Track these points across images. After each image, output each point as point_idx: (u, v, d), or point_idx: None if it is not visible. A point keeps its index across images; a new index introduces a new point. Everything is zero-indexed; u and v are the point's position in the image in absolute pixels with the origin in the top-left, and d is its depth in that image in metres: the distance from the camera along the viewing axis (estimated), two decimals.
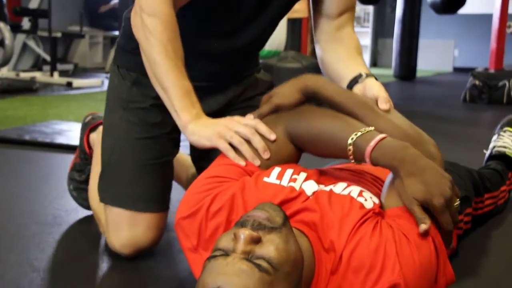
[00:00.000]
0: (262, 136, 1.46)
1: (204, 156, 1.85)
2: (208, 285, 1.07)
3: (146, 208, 1.72)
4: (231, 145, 1.46)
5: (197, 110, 1.56)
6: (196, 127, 1.52)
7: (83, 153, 2.11)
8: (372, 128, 1.36)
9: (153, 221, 1.73)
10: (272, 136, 1.47)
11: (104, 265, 1.76)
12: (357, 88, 1.64)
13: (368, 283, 1.19)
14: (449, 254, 1.55)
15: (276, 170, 1.42)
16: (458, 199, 1.27)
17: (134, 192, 1.73)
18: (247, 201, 1.30)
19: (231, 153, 1.45)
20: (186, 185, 2.08)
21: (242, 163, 1.44)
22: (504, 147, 2.45)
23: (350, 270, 1.22)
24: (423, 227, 1.19)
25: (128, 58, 1.84)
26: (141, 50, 1.59)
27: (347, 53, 1.83)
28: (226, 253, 1.10)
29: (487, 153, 2.49)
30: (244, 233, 1.09)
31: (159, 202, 1.76)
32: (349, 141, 1.33)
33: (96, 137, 2.03)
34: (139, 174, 1.76)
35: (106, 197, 1.77)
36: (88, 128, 2.10)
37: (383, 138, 1.30)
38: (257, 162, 1.45)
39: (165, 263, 1.75)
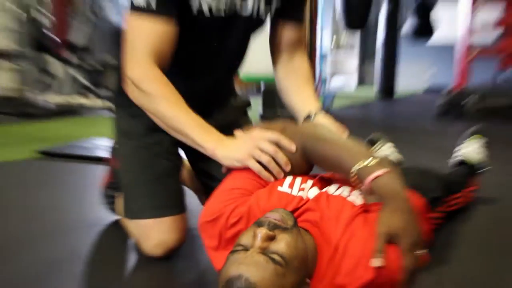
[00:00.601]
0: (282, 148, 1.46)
1: (200, 159, 1.80)
2: (231, 273, 1.09)
3: (167, 213, 1.71)
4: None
5: (214, 135, 1.54)
6: (225, 152, 1.50)
7: (115, 173, 2.06)
8: (374, 160, 1.33)
9: (174, 224, 1.71)
10: (293, 147, 1.45)
11: (135, 258, 1.75)
12: None
13: (360, 267, 1.21)
14: (427, 245, 1.57)
15: (288, 180, 1.44)
16: (422, 250, 1.26)
17: (154, 201, 1.72)
18: (264, 210, 1.30)
19: (263, 173, 1.44)
20: (190, 185, 2.07)
21: (271, 180, 1.44)
22: (468, 154, 2.43)
23: (345, 257, 1.24)
24: (376, 262, 1.19)
25: (124, 98, 1.74)
26: (147, 112, 1.58)
27: (298, 84, 1.86)
28: (246, 248, 1.13)
29: (454, 160, 2.47)
30: (262, 232, 1.13)
31: (177, 206, 1.75)
32: (353, 169, 1.33)
33: None
34: (154, 186, 1.74)
35: (131, 212, 1.76)
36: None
37: (381, 175, 1.29)
38: (281, 176, 1.45)
39: (190, 259, 1.74)
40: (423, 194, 1.70)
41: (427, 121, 6.46)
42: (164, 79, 1.56)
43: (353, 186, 1.39)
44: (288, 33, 1.86)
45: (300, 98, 1.81)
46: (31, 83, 6.69)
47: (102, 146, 3.63)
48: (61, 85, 6.63)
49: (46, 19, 6.26)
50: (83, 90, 7.76)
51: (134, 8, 1.55)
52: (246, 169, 1.47)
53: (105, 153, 2.71)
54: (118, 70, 1.86)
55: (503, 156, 3.78)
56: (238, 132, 1.56)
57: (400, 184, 1.30)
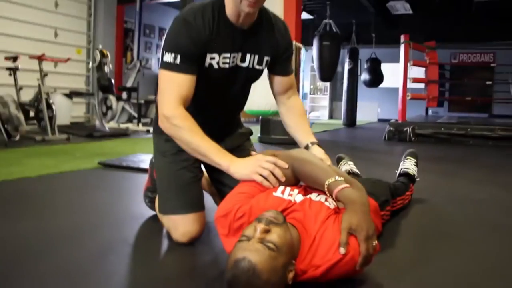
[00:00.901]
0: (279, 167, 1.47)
1: (215, 171, 1.78)
2: (237, 256, 1.09)
3: (191, 211, 1.67)
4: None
5: (229, 156, 1.53)
6: (236, 168, 1.49)
7: (153, 180, 2.02)
8: (341, 178, 1.35)
9: (197, 218, 1.67)
10: (286, 165, 1.46)
11: (167, 243, 1.72)
12: None
13: (330, 252, 1.20)
14: (377, 235, 1.55)
15: (281, 188, 1.43)
16: (375, 241, 1.26)
17: (182, 202, 1.68)
18: (261, 209, 1.29)
19: (265, 183, 1.44)
20: (208, 190, 2.02)
21: (271, 187, 1.43)
22: (407, 168, 2.41)
23: (320, 244, 1.23)
24: (342, 250, 1.19)
25: (159, 128, 1.72)
26: (176, 139, 1.59)
27: (296, 120, 1.84)
28: (248, 238, 1.13)
29: (398, 172, 2.44)
30: (260, 226, 1.14)
31: (198, 205, 1.71)
32: (325, 183, 1.35)
33: None
34: (182, 190, 1.71)
35: (164, 209, 1.72)
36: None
37: (345, 188, 1.31)
38: (277, 185, 1.45)
39: (208, 244, 1.71)
40: (375, 199, 1.66)
41: (378, 143, 6.40)
42: (188, 115, 1.56)
43: (327, 196, 1.38)
44: (282, 83, 1.84)
45: (300, 132, 1.80)
46: (95, 113, 6.68)
47: (145, 159, 3.57)
48: (115, 115, 6.60)
49: (108, 68, 6.21)
50: (131, 119, 7.76)
51: (164, 63, 1.57)
52: (251, 180, 1.47)
53: (146, 165, 2.70)
54: (157, 108, 1.85)
55: (429, 168, 3.75)
56: (252, 154, 1.60)
57: (357, 194, 1.31)
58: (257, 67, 1.72)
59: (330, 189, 1.33)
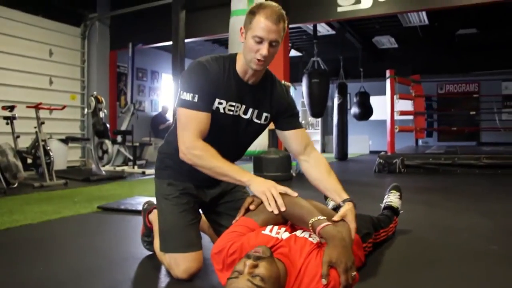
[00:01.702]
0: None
1: (212, 214, 2.01)
2: None
3: (192, 250, 1.80)
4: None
5: (248, 174, 1.71)
6: (254, 184, 1.68)
7: (146, 227, 2.17)
8: (323, 217, 1.51)
9: (197, 256, 1.80)
10: (295, 194, 1.64)
11: (167, 280, 1.83)
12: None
13: (313, 282, 1.35)
14: (360, 267, 1.71)
15: (269, 227, 1.57)
16: (354, 272, 1.39)
17: (184, 241, 1.81)
18: (252, 245, 1.42)
19: (267, 204, 1.61)
20: (207, 232, 2.14)
21: (273, 211, 1.59)
22: (391, 201, 2.53)
23: (305, 276, 1.38)
24: (324, 281, 1.33)
25: (162, 173, 1.97)
26: (198, 167, 1.72)
27: (326, 177, 1.85)
28: (239, 273, 1.26)
29: (382, 205, 2.57)
30: (249, 262, 1.28)
31: (197, 245, 1.84)
32: (310, 222, 1.50)
33: (152, 217, 2.11)
34: (184, 230, 1.83)
35: (166, 248, 1.84)
36: (146, 212, 2.17)
37: (326, 225, 1.46)
38: (276, 211, 1.59)
39: (205, 280, 1.82)
40: (357, 232, 1.81)
41: (369, 176, 6.51)
42: (207, 145, 1.72)
43: (310, 230, 1.52)
44: (297, 138, 1.92)
45: (333, 190, 1.81)
46: (91, 157, 6.80)
47: (142, 202, 3.66)
48: (111, 158, 6.73)
49: (103, 113, 6.38)
50: (126, 161, 7.88)
51: (183, 101, 1.73)
52: (242, 222, 1.61)
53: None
54: (159, 154, 2.01)
55: (415, 199, 3.90)
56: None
57: (337, 230, 1.46)
58: (256, 120, 1.88)
59: (313, 227, 1.48)
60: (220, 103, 1.77)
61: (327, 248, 1.41)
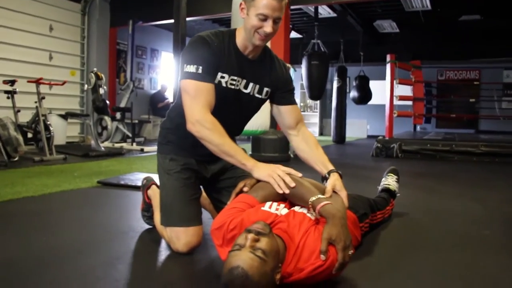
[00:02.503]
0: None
1: (213, 191, 2.04)
2: (231, 264, 1.27)
3: (192, 224, 1.84)
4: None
5: (252, 160, 1.72)
6: (258, 170, 1.68)
7: (145, 202, 2.21)
8: (323, 196, 1.55)
9: (197, 231, 1.84)
10: (300, 174, 1.66)
11: (167, 253, 1.88)
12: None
13: (312, 257, 1.40)
14: (356, 246, 1.76)
15: (268, 203, 1.61)
16: (352, 250, 1.45)
17: (185, 216, 1.84)
18: (252, 221, 1.44)
19: (276, 186, 1.62)
20: (207, 208, 2.16)
21: (282, 191, 1.61)
22: (388, 184, 2.56)
23: (303, 250, 1.42)
24: (323, 257, 1.38)
25: (164, 148, 1.98)
26: (205, 141, 1.72)
27: (313, 151, 1.90)
28: (240, 247, 1.30)
29: (379, 188, 2.60)
30: (250, 236, 1.31)
31: (198, 220, 1.88)
32: (310, 201, 1.54)
33: (151, 192, 2.15)
34: (185, 205, 1.87)
35: (168, 222, 1.87)
36: (145, 188, 2.20)
37: (326, 204, 1.50)
38: (287, 191, 1.61)
39: (204, 253, 1.87)
40: (354, 212, 1.86)
41: (366, 160, 6.54)
42: (216, 120, 1.72)
43: (309, 208, 1.56)
44: (291, 114, 1.96)
45: (319, 163, 1.86)
46: (90, 133, 6.83)
47: (141, 178, 3.71)
48: (110, 135, 6.75)
49: (103, 89, 6.38)
50: (125, 138, 7.91)
51: (187, 73, 1.74)
52: (241, 198, 1.64)
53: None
54: (161, 129, 2.04)
55: (411, 184, 3.95)
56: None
57: (336, 209, 1.49)
58: (257, 95, 1.91)
59: (313, 205, 1.52)
60: (222, 77, 1.80)
61: (326, 225, 1.45)
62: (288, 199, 1.67)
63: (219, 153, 1.73)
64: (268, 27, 1.71)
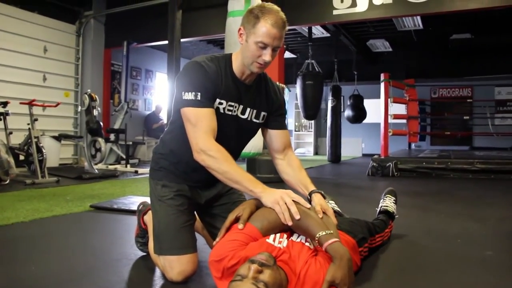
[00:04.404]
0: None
1: (206, 216, 1.98)
2: None
3: (186, 252, 1.77)
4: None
5: (261, 185, 1.65)
6: (266, 196, 1.60)
7: (141, 228, 2.15)
8: (331, 231, 1.47)
9: (192, 259, 1.77)
10: (308, 205, 1.60)
11: (162, 282, 1.81)
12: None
13: None
14: (356, 271, 1.70)
15: (272, 236, 1.54)
16: None
17: (178, 243, 1.78)
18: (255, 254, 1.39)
19: (281, 215, 1.54)
20: (201, 232, 2.10)
21: (287, 222, 1.53)
22: (387, 206, 2.52)
23: (305, 284, 1.38)
24: None
25: (157, 174, 1.92)
26: (211, 169, 1.67)
27: (296, 174, 1.90)
28: (242, 277, 1.25)
29: (377, 210, 2.56)
30: (254, 267, 1.26)
31: (192, 247, 1.81)
32: (317, 236, 1.46)
33: (147, 218, 2.08)
34: (178, 232, 1.80)
35: (160, 250, 1.81)
36: (142, 214, 2.14)
37: (334, 241, 1.43)
38: (290, 223, 1.53)
39: (200, 282, 1.80)
40: (353, 237, 1.81)
41: (362, 179, 6.50)
42: (220, 147, 1.68)
43: (314, 241, 1.50)
44: (280, 138, 1.95)
45: (301, 184, 1.87)
46: (83, 154, 6.76)
47: (135, 202, 3.66)
48: (104, 157, 6.68)
49: (96, 111, 6.34)
50: (119, 160, 7.84)
51: (186, 102, 1.69)
52: (245, 227, 1.56)
53: (136, 207, 2.79)
54: (154, 154, 1.98)
55: (409, 204, 3.90)
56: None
57: (344, 249, 1.42)
58: (255, 120, 1.88)
59: (320, 241, 1.45)
60: (220, 103, 1.76)
61: (332, 266, 1.39)
62: (290, 229, 1.61)
63: (226, 180, 1.68)
64: (267, 56, 1.68)
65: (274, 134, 1.95)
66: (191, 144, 1.71)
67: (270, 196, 1.60)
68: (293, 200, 1.58)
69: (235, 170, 1.66)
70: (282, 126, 1.97)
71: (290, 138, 2.03)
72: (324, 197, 1.76)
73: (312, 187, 1.82)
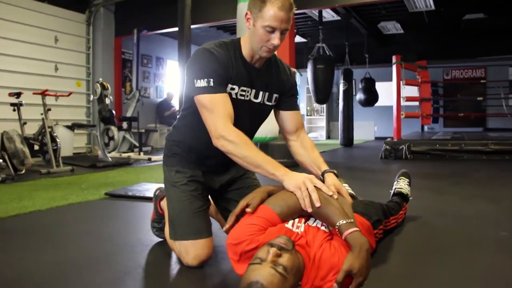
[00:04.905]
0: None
1: (220, 200, 1.99)
2: (251, 279, 1.22)
3: (201, 237, 1.78)
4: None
5: (282, 168, 1.61)
6: (288, 179, 1.56)
7: (158, 213, 2.15)
8: (351, 220, 1.44)
9: (207, 243, 1.78)
10: (330, 192, 1.54)
11: (178, 266, 1.83)
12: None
13: (329, 275, 1.37)
14: (371, 253, 1.69)
15: (291, 221, 1.53)
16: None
17: (192, 228, 1.79)
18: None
19: (302, 201, 1.51)
20: (215, 217, 2.11)
21: (307, 209, 1.50)
22: (401, 188, 2.51)
23: (320, 267, 1.38)
24: (334, 286, 1.31)
25: (170, 160, 1.92)
26: (231, 154, 1.64)
27: (309, 154, 1.88)
28: (261, 260, 1.26)
29: (391, 192, 2.55)
30: (273, 250, 1.26)
31: (207, 231, 1.82)
32: (337, 224, 1.43)
33: (164, 204, 2.08)
34: (192, 218, 1.81)
35: (176, 235, 1.82)
36: (158, 199, 2.15)
37: (355, 231, 1.40)
38: (309, 209, 1.50)
39: (215, 267, 1.82)
40: (368, 219, 1.81)
41: (375, 162, 6.48)
42: (239, 132, 1.65)
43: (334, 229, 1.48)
44: (292, 119, 1.93)
45: (314, 164, 1.86)
46: (97, 143, 6.80)
47: (149, 188, 3.70)
48: (117, 145, 6.72)
49: (109, 100, 6.36)
50: (132, 148, 7.89)
51: (199, 89, 1.67)
52: (262, 213, 1.53)
53: (151, 194, 2.81)
54: (167, 141, 1.99)
55: (423, 186, 3.89)
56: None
57: (364, 239, 1.40)
58: (267, 103, 1.87)
59: (340, 229, 1.42)
60: (232, 89, 1.75)
61: (350, 255, 1.37)
62: (309, 214, 1.59)
63: (246, 165, 1.65)
64: (275, 40, 1.66)
65: (286, 115, 1.94)
66: (209, 131, 1.68)
67: (293, 180, 1.56)
68: (315, 186, 1.54)
69: (256, 154, 1.63)
70: (294, 106, 1.96)
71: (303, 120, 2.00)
72: (337, 176, 1.75)
73: (325, 167, 1.81)
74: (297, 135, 1.95)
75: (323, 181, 1.71)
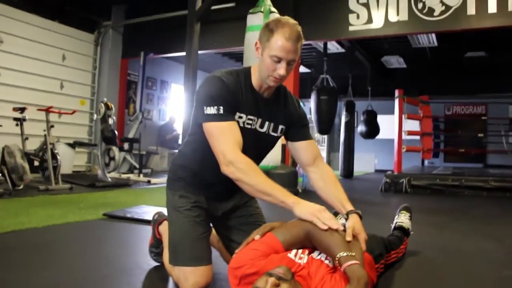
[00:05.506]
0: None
1: (222, 228, 1.95)
2: None
3: (201, 264, 1.74)
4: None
5: (293, 196, 1.59)
6: (300, 208, 1.54)
7: (155, 238, 2.12)
8: (353, 253, 1.42)
9: (206, 271, 1.75)
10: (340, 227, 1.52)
11: None
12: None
13: None
14: (372, 287, 1.65)
15: (294, 251, 1.51)
16: None
17: (193, 255, 1.75)
18: (274, 267, 1.37)
19: (320, 223, 1.48)
20: (216, 245, 2.08)
21: (325, 227, 1.47)
22: (402, 222, 2.49)
23: None
24: None
25: (174, 184, 1.89)
26: (240, 182, 1.62)
27: (332, 188, 1.84)
28: None
29: (392, 226, 2.52)
30: (271, 280, 1.25)
31: (207, 259, 1.78)
32: (337, 256, 1.41)
33: (162, 228, 2.06)
34: (194, 244, 1.78)
35: (176, 261, 1.78)
36: (157, 224, 2.12)
37: (354, 263, 1.38)
38: (334, 226, 1.48)
39: None
40: (370, 253, 1.77)
41: (375, 195, 6.44)
42: (248, 159, 1.63)
43: (334, 261, 1.46)
44: (307, 150, 1.89)
45: (337, 199, 1.81)
46: (97, 163, 6.78)
47: (148, 211, 3.65)
48: (118, 166, 6.70)
49: (111, 119, 6.37)
50: (132, 169, 7.86)
51: (209, 116, 1.65)
52: (266, 239, 1.52)
53: (149, 217, 2.77)
54: (172, 165, 1.96)
55: (423, 221, 3.84)
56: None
57: (363, 272, 1.38)
58: (273, 133, 1.85)
59: (340, 261, 1.41)
60: (240, 117, 1.73)
61: (348, 287, 1.35)
62: (313, 246, 1.57)
63: (256, 193, 1.63)
64: (281, 70, 1.65)
65: (300, 146, 1.90)
66: (217, 158, 1.66)
67: (306, 208, 1.55)
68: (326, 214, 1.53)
69: (265, 181, 1.61)
70: (307, 136, 1.92)
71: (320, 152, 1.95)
72: (361, 218, 1.70)
73: (349, 206, 1.76)
74: (316, 165, 1.90)
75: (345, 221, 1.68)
